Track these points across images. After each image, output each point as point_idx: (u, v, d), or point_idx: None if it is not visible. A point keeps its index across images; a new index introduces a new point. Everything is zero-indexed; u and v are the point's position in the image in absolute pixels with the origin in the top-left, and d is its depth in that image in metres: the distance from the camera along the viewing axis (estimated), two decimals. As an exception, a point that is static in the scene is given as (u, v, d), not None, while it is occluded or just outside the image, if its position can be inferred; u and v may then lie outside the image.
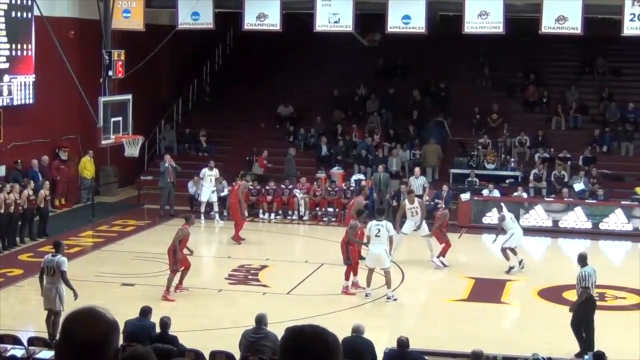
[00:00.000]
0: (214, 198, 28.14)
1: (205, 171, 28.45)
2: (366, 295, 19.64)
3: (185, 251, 19.75)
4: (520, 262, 22.24)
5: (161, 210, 28.61)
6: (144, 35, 28.60)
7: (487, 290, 21.05)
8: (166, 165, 28.81)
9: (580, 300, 16.16)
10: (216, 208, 28.22)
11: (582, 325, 16.03)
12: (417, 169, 28.86)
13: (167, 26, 30.06)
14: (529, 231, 27.24)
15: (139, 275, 21.12)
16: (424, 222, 23.20)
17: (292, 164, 31.38)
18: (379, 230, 19.62)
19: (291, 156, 31.61)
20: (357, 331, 13.17)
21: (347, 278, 20.22)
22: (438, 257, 22.75)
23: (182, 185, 29.18)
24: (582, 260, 16.41)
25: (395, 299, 19.44)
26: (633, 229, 27.00)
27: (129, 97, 26.64)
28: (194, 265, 20.22)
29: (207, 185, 28.03)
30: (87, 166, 29.99)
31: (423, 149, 32.38)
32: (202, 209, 28.07)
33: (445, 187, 28.31)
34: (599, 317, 18.67)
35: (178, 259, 19.34)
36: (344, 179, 30.35)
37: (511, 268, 22.01)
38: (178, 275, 19.56)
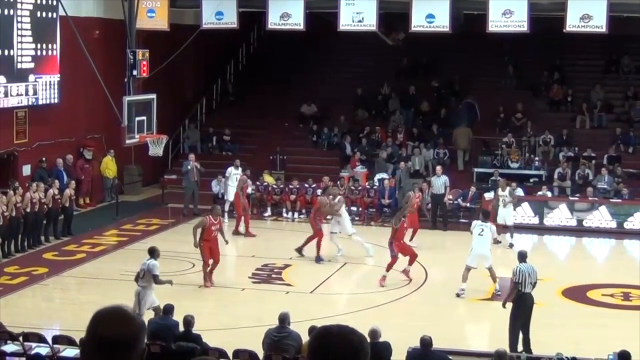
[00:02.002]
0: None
1: (231, 170, 28.44)
2: (458, 294, 19.63)
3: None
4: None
5: (185, 210, 28.67)
6: (168, 34, 28.70)
7: (511, 290, 20.99)
8: (190, 164, 28.89)
9: (511, 295, 15.96)
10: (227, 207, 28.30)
11: (519, 327, 15.69)
12: (438, 168, 28.75)
13: (191, 26, 30.10)
14: (553, 230, 27.21)
15: (162, 274, 21.09)
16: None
17: (382, 165, 31.24)
18: (483, 230, 19.87)
19: (382, 158, 31.56)
20: (374, 337, 12.93)
21: (387, 269, 20.50)
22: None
23: (206, 184, 29.25)
24: (521, 257, 16.19)
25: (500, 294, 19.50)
26: (658, 228, 26.85)
27: (153, 96, 26.72)
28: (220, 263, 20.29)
29: (232, 184, 27.92)
30: (109, 165, 30.11)
31: (454, 132, 32.84)
32: (227, 207, 28.09)
33: (473, 188, 28.33)
34: (627, 317, 18.62)
35: (199, 247, 20.28)
36: (367, 178, 30.33)
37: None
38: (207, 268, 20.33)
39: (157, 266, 16.74)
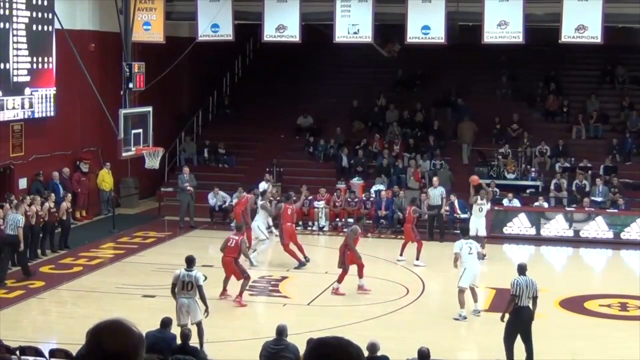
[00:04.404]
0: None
1: (263, 185, 28.54)
2: (460, 318, 19.04)
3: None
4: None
5: (181, 222, 28.65)
6: (164, 47, 28.73)
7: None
8: (185, 177, 29.00)
9: (509, 309, 15.70)
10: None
11: (514, 339, 15.49)
12: (435, 179, 28.78)
13: (187, 38, 30.18)
14: (550, 241, 27.20)
15: (160, 286, 21.09)
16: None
17: (446, 174, 31.31)
18: (471, 249, 19.40)
19: (446, 167, 31.76)
20: (372, 350, 12.86)
21: (339, 281, 20.59)
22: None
23: (203, 197, 29.23)
24: (520, 270, 15.88)
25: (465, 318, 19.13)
26: (655, 238, 26.84)
27: (149, 109, 26.74)
28: (215, 276, 20.22)
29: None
30: (105, 178, 30.10)
31: (459, 126, 33.70)
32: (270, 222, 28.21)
33: (452, 197, 28.19)
34: (624, 327, 18.60)
35: (242, 269, 19.62)
36: (364, 190, 30.32)
37: None
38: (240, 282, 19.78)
39: (203, 277, 16.60)
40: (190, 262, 16.60)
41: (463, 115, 34.18)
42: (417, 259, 23.69)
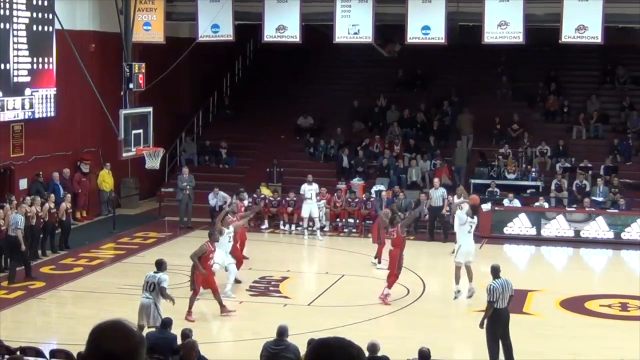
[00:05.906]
0: (316, 213, 27.92)
1: (304, 186, 28.31)
2: (456, 297, 19.89)
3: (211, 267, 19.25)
4: None
5: (180, 223, 28.68)
6: (164, 47, 28.73)
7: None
8: (184, 177, 29.05)
9: (487, 315, 15.67)
10: (317, 224, 28.03)
11: (497, 342, 15.49)
12: (436, 180, 28.75)
13: (187, 39, 30.17)
14: (550, 241, 27.19)
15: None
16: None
17: (463, 152, 31.42)
18: (471, 227, 20.03)
19: (462, 146, 31.99)
20: (373, 351, 12.84)
21: (389, 286, 20.05)
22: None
23: (203, 197, 29.21)
24: (494, 272, 15.90)
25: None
26: (655, 238, 26.84)
27: (150, 109, 26.74)
28: (216, 277, 20.20)
29: (309, 200, 27.95)
30: (105, 179, 30.09)
31: (458, 118, 33.89)
32: (305, 224, 28.04)
33: (451, 198, 28.13)
34: (624, 327, 18.60)
35: (197, 276, 18.73)
36: (364, 190, 30.31)
37: None
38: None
39: (168, 280, 16.63)
40: (159, 265, 16.81)
41: (462, 108, 34.31)
42: (378, 260, 23.55)
